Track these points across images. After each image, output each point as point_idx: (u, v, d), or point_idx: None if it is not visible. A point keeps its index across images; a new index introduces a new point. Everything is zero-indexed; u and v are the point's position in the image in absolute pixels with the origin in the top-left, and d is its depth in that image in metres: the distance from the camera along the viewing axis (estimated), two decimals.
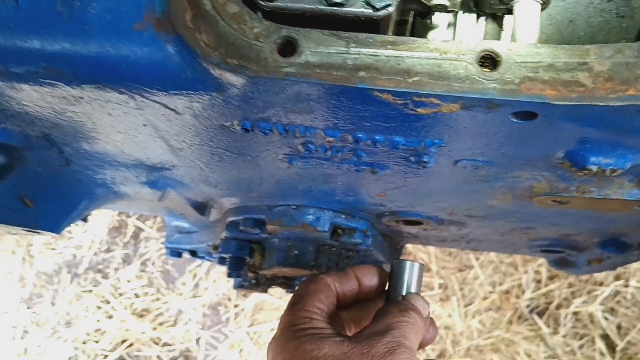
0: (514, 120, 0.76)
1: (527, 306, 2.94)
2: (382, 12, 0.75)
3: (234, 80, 0.75)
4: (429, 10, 0.80)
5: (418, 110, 0.76)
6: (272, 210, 1.24)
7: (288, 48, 0.73)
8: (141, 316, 2.94)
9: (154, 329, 2.90)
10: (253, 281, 1.59)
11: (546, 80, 0.71)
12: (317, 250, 1.32)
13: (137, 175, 1.13)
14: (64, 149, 1.04)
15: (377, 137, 0.86)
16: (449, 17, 0.88)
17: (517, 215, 1.16)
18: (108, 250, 3.02)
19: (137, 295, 2.94)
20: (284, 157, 0.98)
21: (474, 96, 0.71)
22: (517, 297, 2.95)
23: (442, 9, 0.78)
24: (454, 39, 0.92)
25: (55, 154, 1.05)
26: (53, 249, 3.01)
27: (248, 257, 1.41)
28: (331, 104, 0.78)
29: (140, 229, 3.04)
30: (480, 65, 0.73)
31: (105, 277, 2.98)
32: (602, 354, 2.83)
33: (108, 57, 0.78)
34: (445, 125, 0.80)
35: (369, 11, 0.75)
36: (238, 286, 1.61)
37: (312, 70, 0.72)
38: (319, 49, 0.73)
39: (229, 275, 1.43)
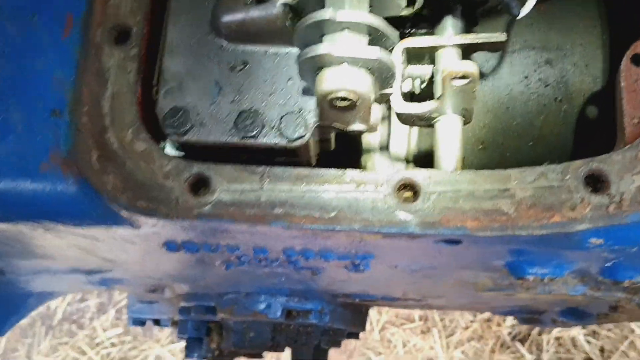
0: (441, 244, 0.73)
1: (509, 334, 2.92)
2: (297, 143, 0.72)
3: (146, 221, 0.72)
4: (348, 133, 0.77)
5: (341, 239, 0.73)
6: (223, 298, 1.21)
7: (200, 186, 0.70)
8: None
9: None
10: (217, 353, 1.56)
11: (466, 210, 0.68)
12: (273, 329, 1.29)
13: (76, 278, 1.09)
14: None
15: (308, 254, 0.83)
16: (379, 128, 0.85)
17: (472, 297, 1.13)
18: (82, 300, 2.97)
19: (113, 345, 2.89)
20: (221, 264, 0.95)
21: (393, 231, 0.69)
22: (499, 325, 2.92)
23: (361, 132, 0.76)
24: (388, 136, 0.90)
25: None
26: None
27: (205, 337, 1.38)
28: (252, 235, 0.75)
29: None
30: (401, 190, 0.70)
31: (80, 327, 2.93)
32: None
33: (16, 196, 0.75)
34: (374, 245, 0.77)
35: (284, 141, 0.72)
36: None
37: (225, 210, 0.69)
38: (232, 186, 0.70)
39: (187, 356, 1.40)
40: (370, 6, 0.69)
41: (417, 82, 0.83)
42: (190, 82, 0.74)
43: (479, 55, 0.95)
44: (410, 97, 0.91)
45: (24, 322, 2.94)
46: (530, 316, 1.44)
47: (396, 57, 0.74)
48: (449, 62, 0.73)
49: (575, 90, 0.96)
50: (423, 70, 0.81)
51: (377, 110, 0.73)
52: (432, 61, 0.79)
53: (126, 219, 0.73)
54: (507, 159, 0.96)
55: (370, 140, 0.95)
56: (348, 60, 0.64)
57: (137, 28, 0.75)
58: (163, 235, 0.78)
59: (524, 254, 0.78)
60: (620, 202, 0.67)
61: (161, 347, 2.87)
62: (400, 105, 0.73)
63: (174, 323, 1.52)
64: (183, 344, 2.88)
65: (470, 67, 0.65)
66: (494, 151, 0.97)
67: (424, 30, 0.84)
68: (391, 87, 0.69)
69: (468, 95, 0.70)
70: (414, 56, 0.79)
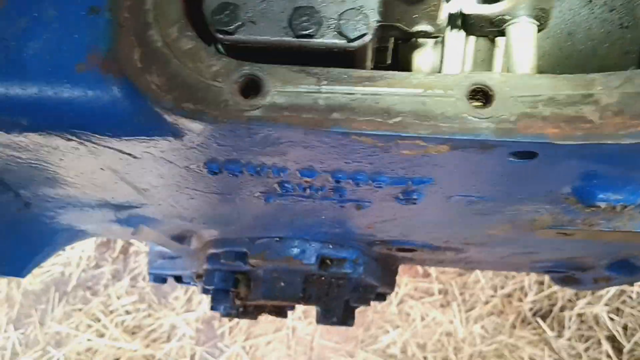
0: (512, 159, 0.67)
1: (530, 309, 2.86)
2: (356, 43, 0.65)
3: (192, 126, 0.66)
4: (410, 37, 0.70)
5: (403, 152, 0.67)
6: (254, 243, 1.15)
7: (251, 88, 0.64)
8: (133, 333, 2.85)
9: (147, 346, 2.82)
10: (241, 309, 1.51)
11: (547, 116, 0.62)
12: (305, 281, 1.23)
13: (104, 215, 1.04)
14: (20, 192, 0.95)
15: (359, 177, 0.77)
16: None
17: (519, 243, 1.07)
18: (97, 267, 2.93)
19: (128, 312, 2.85)
20: (260, 195, 0.89)
21: (465, 137, 0.62)
22: (520, 300, 2.86)
23: (425, 35, 0.69)
24: (441, 62, 0.83)
25: (11, 197, 0.96)
26: (41, 267, 2.92)
27: (233, 289, 1.32)
28: (304, 147, 0.69)
29: (129, 243, 2.95)
30: (471, 100, 0.63)
31: (94, 294, 2.89)
32: (608, 356, 2.75)
33: (49, 101, 0.68)
34: (434, 165, 0.71)
35: (342, 42, 0.65)
36: (226, 314, 1.52)
37: (280, 114, 0.63)
38: (286, 88, 0.64)
39: (213, 308, 1.34)
40: None
41: None
42: None
43: None
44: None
45: (37, 287, 2.92)
46: (571, 274, 1.38)
47: None
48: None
49: None
50: None
51: (444, 9, 0.66)
52: None
53: (170, 126, 0.67)
54: None
55: (420, 65, 0.88)
56: None
57: None
58: (206, 151, 0.72)
59: (597, 177, 0.72)
60: None
61: (176, 316, 2.83)
62: (470, 5, 0.67)
63: (199, 276, 1.46)
64: (197, 313, 2.85)
65: None
66: None
67: None
68: None
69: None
70: None
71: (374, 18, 0.65)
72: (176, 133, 0.68)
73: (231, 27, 0.65)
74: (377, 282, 1.36)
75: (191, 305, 2.85)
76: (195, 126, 0.65)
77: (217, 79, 0.64)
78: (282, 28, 0.66)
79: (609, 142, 0.61)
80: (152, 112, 0.66)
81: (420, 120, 0.63)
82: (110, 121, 0.69)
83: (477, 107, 0.62)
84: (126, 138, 0.71)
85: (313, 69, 0.64)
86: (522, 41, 0.68)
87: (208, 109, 0.63)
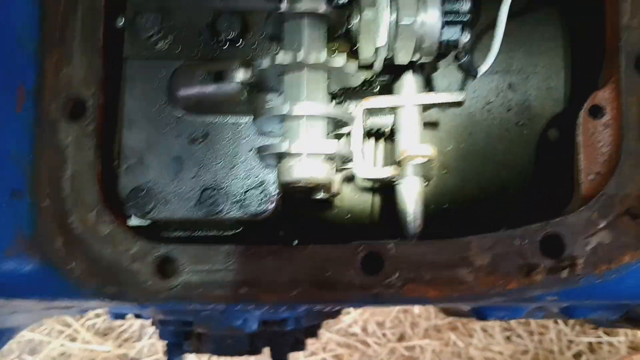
0: None
1: None
2: (260, 216, 0.73)
3: (115, 303, 0.73)
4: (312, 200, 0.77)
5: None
6: (200, 314, 1.24)
7: (167, 268, 0.71)
8: (105, 335, 2.95)
9: (119, 345, 2.92)
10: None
11: (428, 280, 0.71)
12: (251, 335, 1.33)
13: (49, 312, 1.11)
14: None
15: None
16: None
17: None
18: None
19: (98, 315, 2.94)
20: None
21: (363, 305, 0.71)
22: None
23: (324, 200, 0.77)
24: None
25: None
26: None
27: (185, 341, 1.42)
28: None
29: None
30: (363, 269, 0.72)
31: None
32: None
33: None
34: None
35: (247, 216, 0.73)
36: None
37: (194, 292, 0.71)
38: (198, 266, 0.71)
39: (169, 359, 1.44)
40: (328, 78, 0.68)
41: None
42: (150, 157, 0.74)
43: (444, 78, 0.95)
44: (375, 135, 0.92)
45: None
46: None
47: (359, 116, 0.74)
48: (406, 142, 0.73)
49: (536, 114, 0.97)
50: (385, 120, 0.82)
51: (339, 179, 0.73)
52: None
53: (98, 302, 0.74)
54: (470, 184, 0.98)
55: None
56: (307, 153, 0.64)
57: (92, 100, 0.73)
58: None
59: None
60: (573, 265, 0.70)
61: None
62: (362, 171, 0.74)
63: (153, 323, 1.55)
64: None
65: (426, 150, 0.65)
66: (457, 176, 0.99)
67: (386, 78, 0.83)
68: (352, 161, 0.70)
69: (426, 167, 0.71)
70: (376, 110, 0.79)
71: (274, 192, 0.73)
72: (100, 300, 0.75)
73: (145, 210, 0.72)
74: (323, 319, 1.46)
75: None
76: (119, 302, 0.73)
77: (135, 261, 0.71)
78: (192, 207, 0.73)
79: (481, 303, 0.70)
80: (78, 294, 0.72)
81: (319, 290, 0.71)
82: (40, 292, 0.75)
83: (367, 274, 0.71)
84: (55, 301, 0.78)
85: (222, 246, 0.72)
86: (409, 199, 0.75)
87: (128, 292, 0.71)
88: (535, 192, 0.95)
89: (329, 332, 3.04)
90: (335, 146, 0.63)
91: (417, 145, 0.69)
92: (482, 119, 0.97)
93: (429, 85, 0.93)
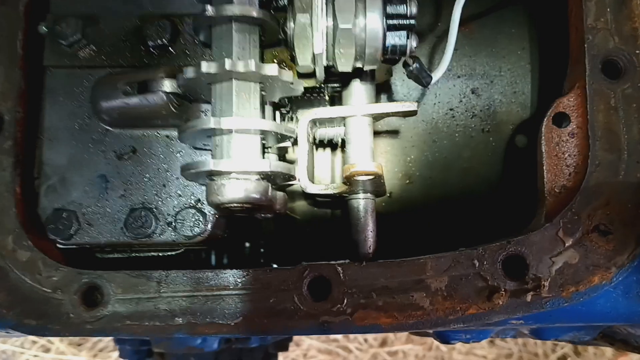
0: None
1: None
2: (195, 240, 0.66)
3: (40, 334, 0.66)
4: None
5: None
6: None
7: (92, 297, 0.65)
8: (79, 345, 2.87)
9: (94, 356, 2.85)
10: None
11: (380, 306, 0.65)
12: (216, 354, 1.27)
13: None
14: None
15: None
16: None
17: None
18: None
19: None
20: None
21: (308, 333, 0.65)
22: None
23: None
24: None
25: None
26: None
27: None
28: None
29: None
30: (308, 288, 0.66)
31: None
32: None
33: None
34: None
35: (181, 239, 0.66)
36: None
37: (122, 323, 0.64)
38: (127, 295, 0.65)
39: None
40: (263, 91, 0.62)
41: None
42: (74, 175, 0.67)
43: (402, 85, 0.90)
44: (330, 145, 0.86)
45: None
46: None
47: (302, 129, 0.68)
48: (355, 156, 0.67)
49: (502, 120, 0.92)
50: (335, 131, 0.76)
51: (282, 197, 0.67)
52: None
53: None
54: (435, 193, 0.92)
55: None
56: (237, 171, 0.57)
57: (10, 115, 0.67)
58: None
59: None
60: (538, 287, 0.64)
61: None
62: (308, 187, 0.68)
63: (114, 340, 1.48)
64: None
65: (372, 167, 0.59)
66: (421, 185, 0.93)
67: (337, 86, 0.76)
68: (294, 179, 0.64)
69: (375, 183, 0.65)
70: (325, 120, 0.73)
71: (211, 212, 0.66)
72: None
73: (67, 233, 0.65)
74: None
75: None
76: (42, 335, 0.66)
77: (57, 291, 0.64)
78: (119, 230, 0.66)
79: (439, 329, 0.64)
80: None
81: (259, 318, 0.64)
82: None
83: (314, 300, 0.64)
84: None
85: (153, 273, 0.65)
86: (361, 218, 0.69)
87: (50, 324, 0.64)
88: (502, 200, 0.89)
89: (309, 339, 2.98)
90: (269, 164, 0.57)
91: (362, 163, 0.63)
92: (446, 126, 0.92)
93: (386, 93, 0.88)
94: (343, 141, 0.76)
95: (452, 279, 0.65)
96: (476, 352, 2.98)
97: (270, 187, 0.60)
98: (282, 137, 0.61)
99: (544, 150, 0.70)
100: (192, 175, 0.59)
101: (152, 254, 0.74)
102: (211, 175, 0.58)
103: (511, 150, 0.91)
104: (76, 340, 2.88)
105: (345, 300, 0.64)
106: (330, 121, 0.72)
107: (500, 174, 0.91)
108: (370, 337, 2.95)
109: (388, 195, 0.89)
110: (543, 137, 0.70)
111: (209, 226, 0.66)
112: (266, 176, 0.59)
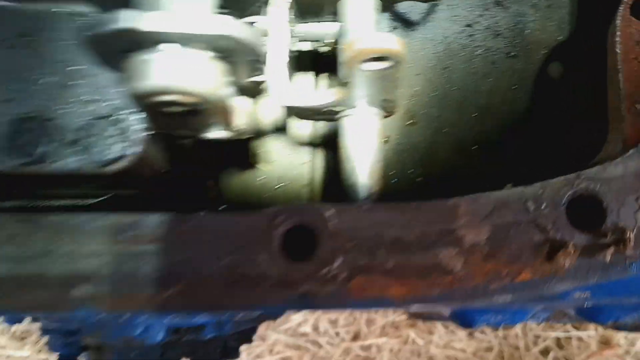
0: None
1: None
2: (111, 168, 0.43)
3: None
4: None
5: None
6: (84, 321, 0.94)
7: None
8: (22, 339, 2.60)
9: (39, 351, 2.58)
10: None
11: (390, 269, 0.43)
12: (163, 346, 1.04)
13: None
14: None
15: None
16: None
17: None
18: None
19: None
20: None
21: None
22: None
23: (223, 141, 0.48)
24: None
25: None
26: None
27: (82, 353, 1.11)
28: None
29: None
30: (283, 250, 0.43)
31: None
32: None
33: None
34: None
35: (89, 167, 0.43)
36: None
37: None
38: (1, 250, 0.41)
39: None
40: None
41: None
42: None
43: None
44: (312, 61, 0.64)
45: None
46: None
47: (281, 15, 0.46)
48: (358, 33, 0.45)
49: (533, 41, 0.73)
50: (324, 28, 0.54)
51: (245, 106, 0.45)
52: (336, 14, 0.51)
53: None
54: (444, 138, 0.72)
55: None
56: (175, 39, 0.35)
57: None
58: None
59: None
60: (621, 242, 0.43)
61: None
62: (285, 97, 0.45)
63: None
64: None
65: (389, 43, 0.37)
66: (427, 127, 0.73)
67: None
68: (262, 72, 0.41)
69: (388, 83, 0.43)
70: (310, 8, 0.51)
71: (136, 128, 0.43)
72: None
73: None
74: (256, 322, 1.18)
75: None
76: None
77: None
78: (5, 149, 0.43)
79: (477, 304, 0.43)
80: None
81: (211, 287, 0.42)
82: None
83: (290, 261, 0.42)
84: None
85: (46, 216, 0.42)
86: (360, 143, 0.47)
87: None
88: (529, 150, 0.69)
89: (276, 333, 2.76)
90: (225, 25, 0.34)
91: (373, 35, 0.40)
92: (461, 48, 0.72)
93: None
94: (333, 51, 0.54)
95: (496, 229, 0.44)
96: (454, 345, 2.80)
97: (224, 77, 0.38)
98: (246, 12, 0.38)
99: (619, 51, 0.49)
100: (102, 46, 0.36)
101: (63, 202, 0.51)
102: (131, 43, 0.35)
103: (543, 82, 0.71)
104: (19, 334, 2.61)
105: (337, 261, 0.42)
106: (316, 11, 0.50)
107: (529, 115, 0.71)
108: (342, 330, 2.74)
109: (385, 140, 0.68)
110: (619, 34, 0.49)
111: (133, 148, 0.43)
112: (221, 55, 0.36)
